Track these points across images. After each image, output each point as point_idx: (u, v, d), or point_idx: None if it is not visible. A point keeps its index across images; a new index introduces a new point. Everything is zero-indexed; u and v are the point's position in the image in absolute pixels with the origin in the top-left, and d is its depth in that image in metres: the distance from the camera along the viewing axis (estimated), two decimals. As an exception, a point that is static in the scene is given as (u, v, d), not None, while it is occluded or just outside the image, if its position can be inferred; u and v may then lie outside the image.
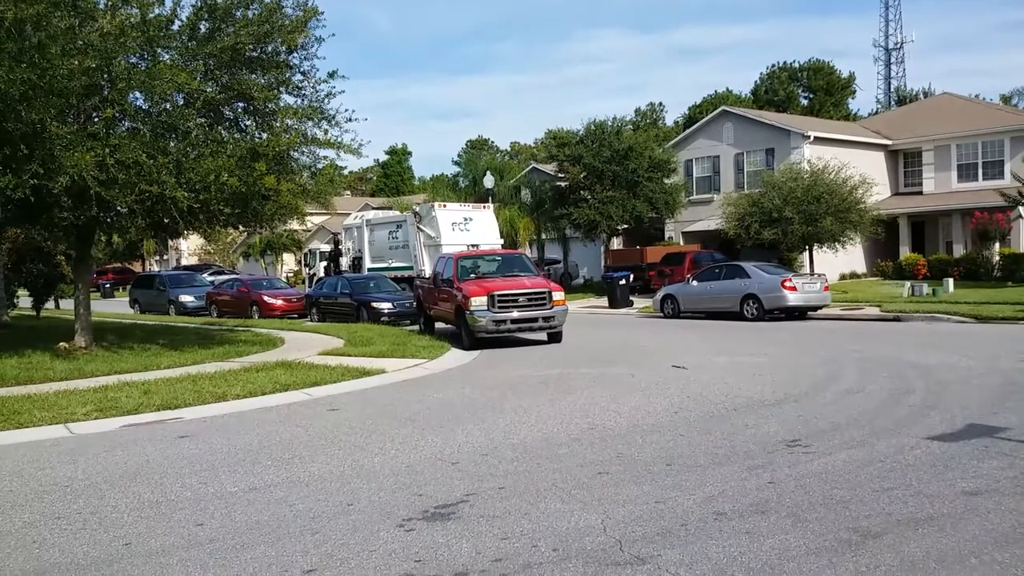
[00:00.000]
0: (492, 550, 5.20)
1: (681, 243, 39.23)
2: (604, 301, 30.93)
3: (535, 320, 17.57)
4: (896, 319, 21.80)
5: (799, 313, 23.09)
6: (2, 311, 23.88)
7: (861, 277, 36.48)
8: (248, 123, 16.43)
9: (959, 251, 34.45)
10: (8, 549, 5.57)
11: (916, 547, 5.04)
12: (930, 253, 35.65)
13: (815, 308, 23.31)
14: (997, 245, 32.72)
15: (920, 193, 37.17)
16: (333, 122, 16.00)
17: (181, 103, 14.67)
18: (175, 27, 14.85)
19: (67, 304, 30.35)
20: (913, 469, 6.76)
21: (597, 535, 5.41)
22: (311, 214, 37.57)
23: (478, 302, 17.19)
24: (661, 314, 25.48)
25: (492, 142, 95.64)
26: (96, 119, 14.29)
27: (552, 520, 5.75)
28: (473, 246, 27.21)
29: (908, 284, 28.53)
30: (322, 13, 15.50)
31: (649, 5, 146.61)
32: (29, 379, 12.98)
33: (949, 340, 16.46)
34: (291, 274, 57.26)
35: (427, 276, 23.68)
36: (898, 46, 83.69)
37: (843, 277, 35.35)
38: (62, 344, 16.22)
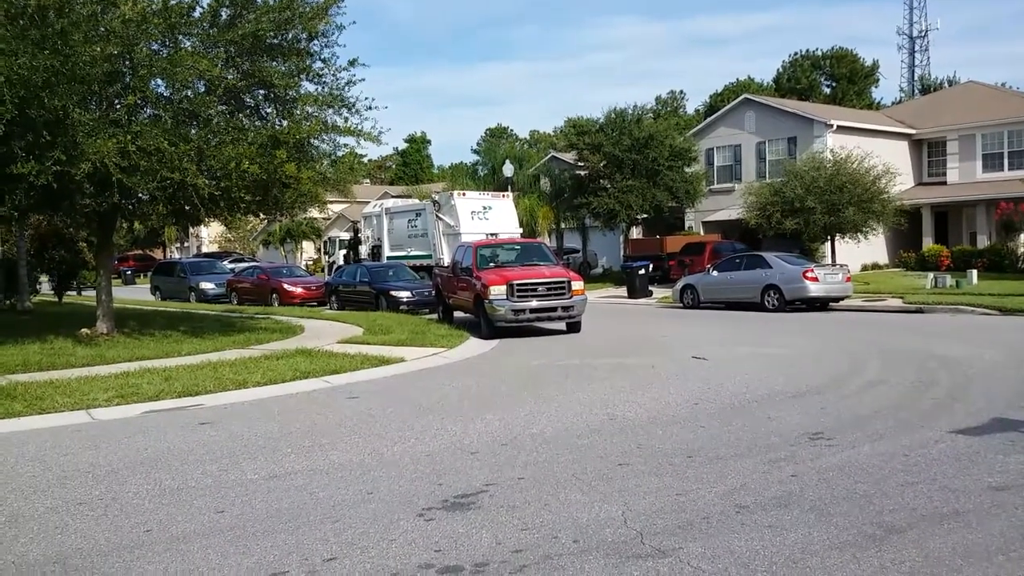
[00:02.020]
0: (512, 541, 5.18)
1: (701, 233, 38.98)
2: (623, 291, 30.83)
3: (554, 309, 17.52)
4: (919, 311, 21.58)
5: (820, 304, 22.91)
6: (25, 297, 24.12)
7: (883, 268, 36.17)
8: (269, 110, 16.48)
9: (983, 242, 34.09)
10: (31, 534, 5.61)
11: (941, 543, 4.97)
12: (953, 244, 35.29)
13: (837, 299, 23.11)
14: (1022, 236, 32.35)
15: (944, 183, 36.78)
16: (353, 110, 16.02)
17: (202, 90, 14.72)
18: (196, 14, 14.87)
19: (89, 291, 30.59)
20: (938, 463, 6.68)
21: (618, 527, 5.38)
22: (331, 202, 37.65)
23: (497, 291, 17.16)
24: (681, 304, 25.36)
25: (511, 130, 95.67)
26: (118, 106, 14.34)
27: (572, 511, 5.73)
28: (492, 235, 27.24)
29: (931, 275, 28.22)
30: (343, 0, 15.54)
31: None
32: (51, 365, 13.08)
33: (973, 332, 16.28)
34: (311, 262, 57.53)
35: (446, 265, 23.68)
36: (922, 34, 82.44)
37: (865, 268, 35.06)
38: (84, 330, 16.34)
